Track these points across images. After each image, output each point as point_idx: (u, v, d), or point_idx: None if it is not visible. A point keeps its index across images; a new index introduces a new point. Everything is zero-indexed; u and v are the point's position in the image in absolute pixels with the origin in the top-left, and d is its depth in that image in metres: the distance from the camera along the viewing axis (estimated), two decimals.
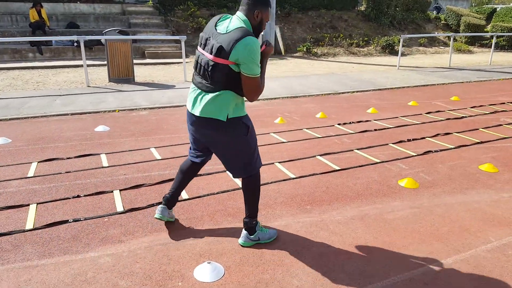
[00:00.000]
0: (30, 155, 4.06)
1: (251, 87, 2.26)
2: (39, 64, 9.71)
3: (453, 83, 9.28)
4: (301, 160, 4.15)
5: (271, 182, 3.55)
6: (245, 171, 2.47)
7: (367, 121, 5.75)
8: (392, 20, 18.63)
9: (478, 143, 4.81)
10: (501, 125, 5.66)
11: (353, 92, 7.91)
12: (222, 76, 2.23)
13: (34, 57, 10.46)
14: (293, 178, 3.66)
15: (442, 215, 3.05)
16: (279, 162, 4.04)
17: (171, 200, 2.73)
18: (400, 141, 4.81)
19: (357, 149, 4.50)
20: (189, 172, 2.70)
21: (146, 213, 2.94)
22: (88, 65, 9.78)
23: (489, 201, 3.31)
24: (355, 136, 5.01)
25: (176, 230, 2.74)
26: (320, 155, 4.29)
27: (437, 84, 9.02)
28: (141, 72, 9.49)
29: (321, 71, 10.64)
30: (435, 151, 4.47)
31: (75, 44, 10.72)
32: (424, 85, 8.84)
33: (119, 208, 2.99)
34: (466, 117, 6.09)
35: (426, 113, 6.26)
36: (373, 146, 4.62)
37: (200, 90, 2.33)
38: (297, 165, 4.02)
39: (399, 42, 16.25)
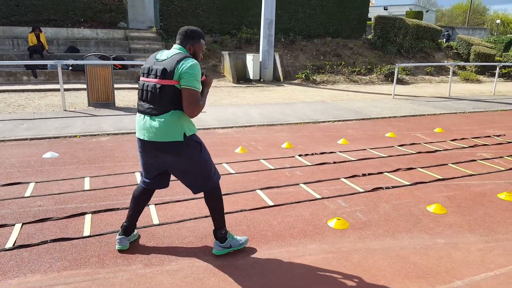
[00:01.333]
0: None
1: (190, 100, 2.38)
2: (31, 87, 9.97)
3: (445, 113, 8.91)
4: (238, 194, 3.92)
5: (189, 219, 3.33)
6: (204, 185, 2.62)
7: (332, 152, 5.48)
8: (400, 48, 18.42)
9: (438, 180, 4.47)
10: (475, 160, 5.27)
11: (334, 121, 7.67)
12: (169, 97, 2.39)
13: (28, 80, 10.76)
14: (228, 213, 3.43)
15: (357, 262, 2.75)
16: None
17: (129, 228, 2.80)
18: (354, 176, 4.52)
19: (304, 183, 4.24)
20: (142, 199, 2.78)
21: (34, 250, 2.77)
22: (76, 89, 9.99)
23: (419, 247, 2.98)
24: (309, 169, 4.75)
25: (55, 271, 2.55)
26: (261, 189, 4.05)
27: (427, 115, 8.66)
28: (130, 97, 9.57)
29: (312, 98, 10.47)
30: (386, 188, 4.16)
31: (70, 68, 10.99)
32: (412, 115, 8.51)
33: (10, 243, 2.83)
34: (440, 150, 5.73)
35: (398, 146, 5.94)
36: (322, 180, 4.35)
37: (149, 116, 2.45)
38: (232, 199, 3.79)
39: (402, 70, 16.06)
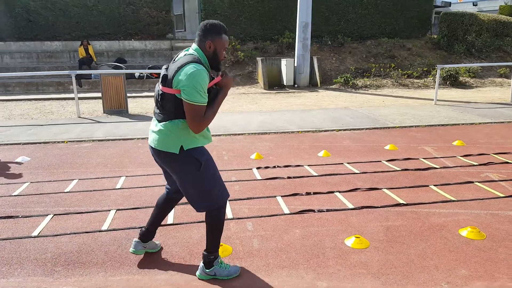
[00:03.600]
0: None
1: (191, 115, 2.18)
2: (72, 95, 10.92)
3: (487, 123, 7.53)
4: (146, 209, 3.68)
5: (70, 234, 3.20)
6: (202, 206, 2.42)
7: (298, 166, 4.93)
8: (470, 47, 16.30)
9: (397, 205, 3.70)
10: (472, 182, 4.30)
11: (338, 130, 6.97)
12: (171, 106, 2.23)
13: None
14: (99, 231, 3.24)
15: None
16: (120, 210, 3.66)
17: (146, 235, 2.75)
18: (295, 194, 3.97)
19: (230, 200, 3.84)
20: (164, 206, 2.71)
21: None
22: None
23: None
24: (253, 184, 4.31)
25: None
26: (185, 204, 3.77)
27: (462, 124, 7.42)
28: (151, 105, 9.91)
29: (338, 105, 9.73)
30: (318, 211, 3.56)
31: None
32: (442, 125, 7.36)
33: None
34: (436, 168, 4.80)
35: (386, 160, 5.13)
36: (254, 198, 3.90)
37: (156, 121, 2.37)
38: (130, 214, 3.55)
39: (467, 72, 14.14)
